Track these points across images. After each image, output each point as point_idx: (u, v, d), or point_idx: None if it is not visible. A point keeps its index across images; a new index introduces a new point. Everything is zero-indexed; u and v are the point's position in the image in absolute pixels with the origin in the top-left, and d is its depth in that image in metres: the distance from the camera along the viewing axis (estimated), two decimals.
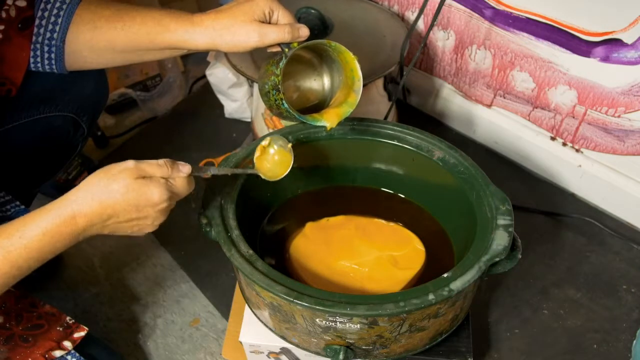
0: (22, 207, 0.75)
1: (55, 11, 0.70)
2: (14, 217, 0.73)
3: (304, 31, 0.69)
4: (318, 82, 0.79)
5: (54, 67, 0.74)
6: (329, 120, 0.74)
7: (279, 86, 0.69)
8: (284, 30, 0.67)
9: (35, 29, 0.70)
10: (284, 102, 0.70)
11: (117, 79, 1.34)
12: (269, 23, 0.69)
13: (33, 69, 0.74)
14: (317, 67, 0.78)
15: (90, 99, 0.85)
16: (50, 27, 0.70)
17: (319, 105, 0.79)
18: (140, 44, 0.70)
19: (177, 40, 0.68)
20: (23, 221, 0.56)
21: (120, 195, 0.57)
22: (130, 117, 1.36)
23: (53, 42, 0.71)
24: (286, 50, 0.69)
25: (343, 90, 0.77)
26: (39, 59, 0.72)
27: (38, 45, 0.71)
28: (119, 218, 0.58)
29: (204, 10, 0.70)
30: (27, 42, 0.71)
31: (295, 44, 0.69)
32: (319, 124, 0.74)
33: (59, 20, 0.70)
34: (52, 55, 0.72)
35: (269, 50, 0.71)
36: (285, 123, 1.02)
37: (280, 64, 0.69)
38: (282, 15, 0.69)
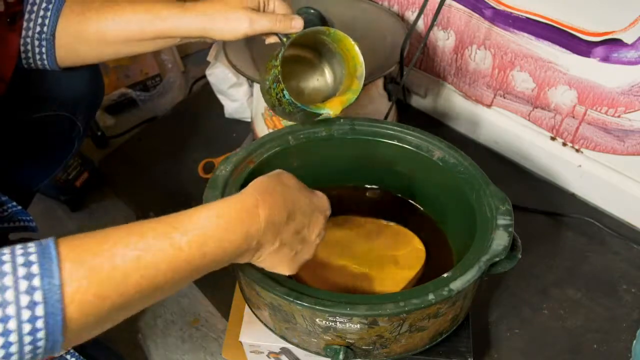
0: (19, 207, 0.74)
1: (44, 4, 0.70)
2: (11, 218, 0.73)
3: (297, 22, 0.69)
4: (321, 81, 0.79)
5: (45, 62, 0.73)
6: (332, 108, 0.74)
7: (279, 76, 0.68)
8: (275, 18, 0.67)
9: (25, 24, 0.70)
10: (285, 92, 0.68)
11: (117, 79, 1.34)
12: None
13: (25, 66, 0.73)
14: (318, 65, 0.78)
15: (85, 98, 0.85)
16: (39, 20, 0.70)
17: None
18: (132, 34, 0.69)
19: (169, 28, 0.68)
20: (188, 213, 0.47)
21: (298, 191, 0.56)
22: (130, 117, 1.36)
23: (43, 35, 0.70)
24: (284, 39, 0.68)
25: (347, 80, 0.76)
26: (29, 54, 0.72)
27: (28, 40, 0.71)
28: (295, 221, 0.55)
29: None
30: (16, 37, 0.70)
31: (293, 34, 0.69)
32: (322, 111, 0.74)
33: (48, 14, 0.70)
34: (43, 50, 0.72)
35: (267, 42, 0.71)
36: (285, 123, 1.02)
37: (280, 54, 0.68)
38: (278, 6, 0.69)
